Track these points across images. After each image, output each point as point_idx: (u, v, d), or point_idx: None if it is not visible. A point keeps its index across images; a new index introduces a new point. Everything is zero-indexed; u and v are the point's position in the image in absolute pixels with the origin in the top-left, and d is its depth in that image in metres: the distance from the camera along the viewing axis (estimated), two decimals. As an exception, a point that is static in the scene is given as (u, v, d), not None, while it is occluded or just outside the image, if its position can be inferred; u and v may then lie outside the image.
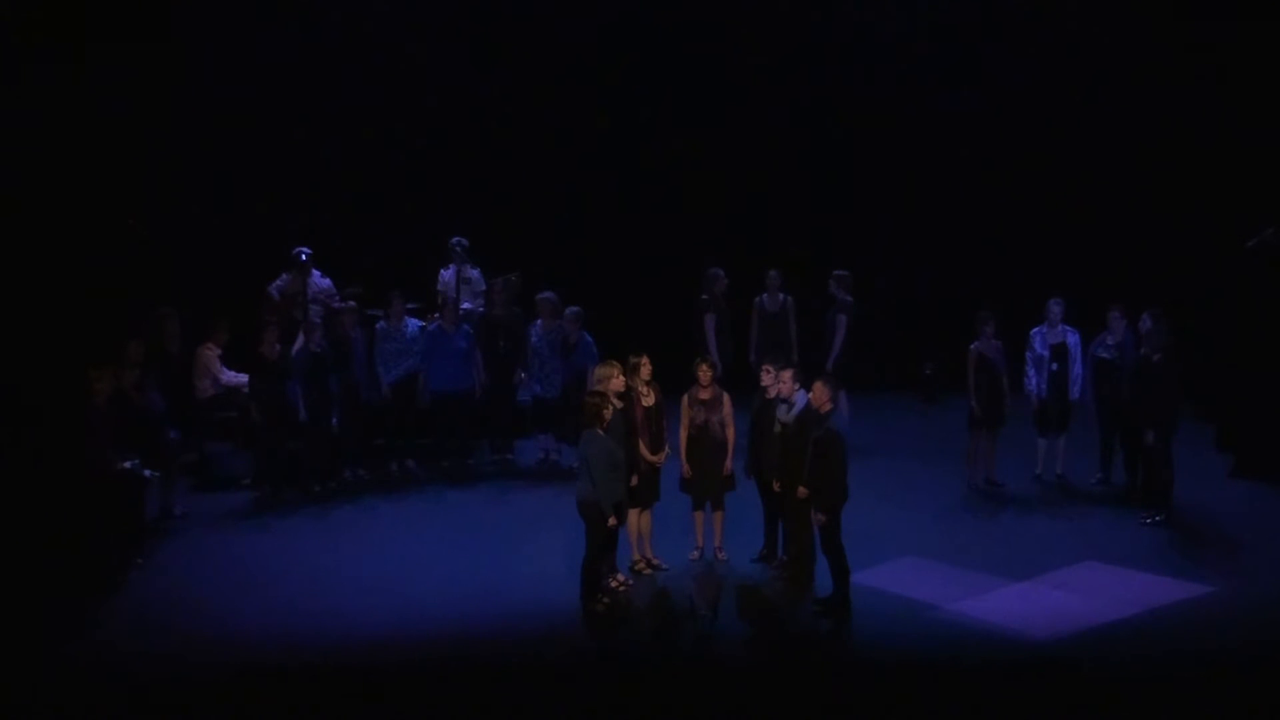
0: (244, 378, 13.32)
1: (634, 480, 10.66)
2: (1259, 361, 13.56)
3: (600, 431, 10.18)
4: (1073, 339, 13.06)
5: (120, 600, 10.59)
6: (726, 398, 11.16)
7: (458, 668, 9.38)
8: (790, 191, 17.21)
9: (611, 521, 10.20)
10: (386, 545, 11.82)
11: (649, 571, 11.02)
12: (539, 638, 9.78)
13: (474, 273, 14.72)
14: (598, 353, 13.09)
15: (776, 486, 10.69)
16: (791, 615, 10.28)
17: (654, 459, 10.94)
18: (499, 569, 11.12)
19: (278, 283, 14.25)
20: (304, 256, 14.18)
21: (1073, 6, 16.58)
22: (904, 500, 12.63)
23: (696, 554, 11.29)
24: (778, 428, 10.66)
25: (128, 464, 11.27)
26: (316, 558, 11.54)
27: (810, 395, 10.37)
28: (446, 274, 14.70)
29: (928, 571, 10.94)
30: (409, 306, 14.08)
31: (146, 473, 11.51)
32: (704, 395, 11.11)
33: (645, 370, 11.00)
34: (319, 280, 14.33)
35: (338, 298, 14.23)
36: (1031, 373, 13.14)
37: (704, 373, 11.16)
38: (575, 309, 13.74)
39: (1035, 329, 13.15)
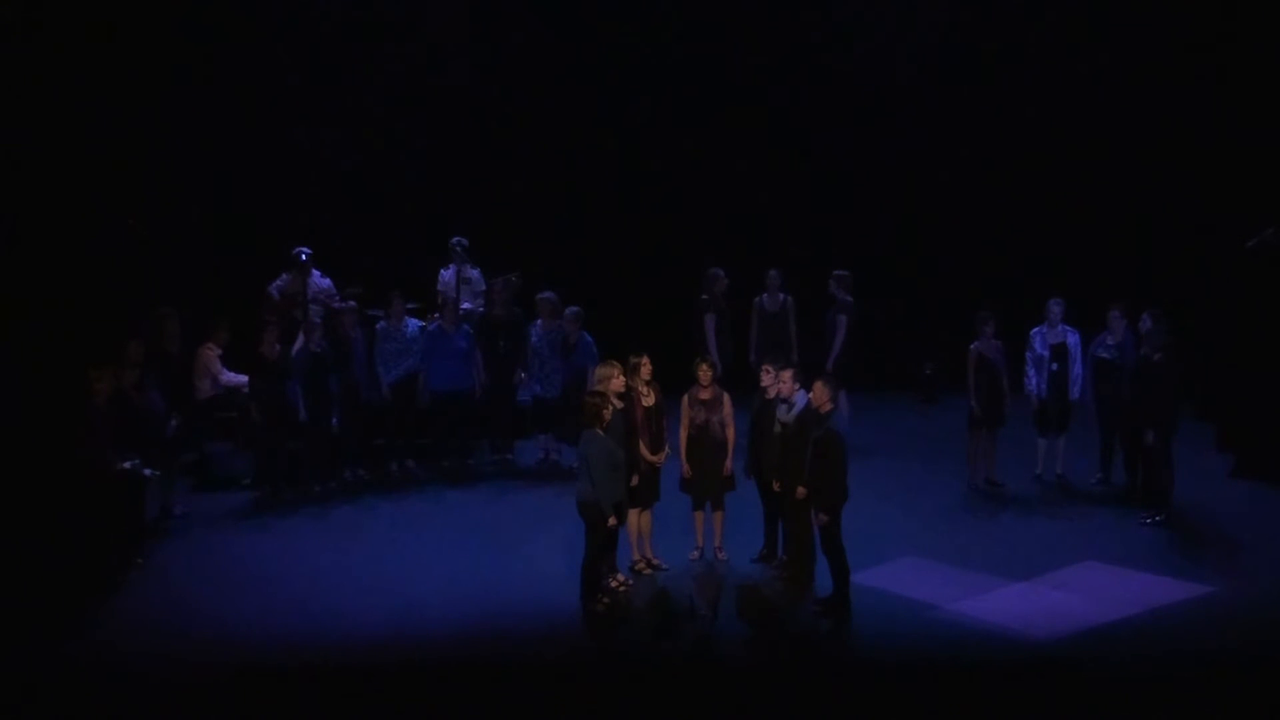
0: (244, 378, 13.29)
1: (634, 480, 10.66)
2: (1259, 361, 13.55)
3: (600, 431, 10.17)
4: (1073, 339, 13.05)
5: (120, 600, 10.57)
6: (726, 398, 11.15)
7: (458, 668, 9.36)
8: (790, 191, 17.20)
9: (611, 521, 10.19)
10: (386, 545, 11.81)
11: (649, 571, 11.01)
12: (539, 638, 9.77)
13: (474, 273, 14.71)
14: (598, 353, 13.08)
15: (776, 486, 10.68)
16: (791, 615, 10.26)
17: (654, 459, 10.93)
18: (499, 569, 11.11)
19: (278, 283, 14.24)
20: (304, 256, 14.16)
21: (1073, 6, 16.59)
22: (904, 500, 12.63)
23: (696, 554, 11.28)
24: (778, 428, 10.65)
25: (128, 464, 11.24)
26: (316, 558, 11.53)
27: (810, 395, 10.37)
28: (446, 274, 14.70)
29: (928, 571, 10.93)
30: (409, 306, 14.06)
31: (146, 472, 11.49)
32: (704, 395, 11.10)
33: (645, 370, 10.99)
34: (319, 280, 14.31)
35: (338, 298, 14.21)
36: (1031, 373, 13.13)
37: (704, 373, 11.15)
38: (575, 309, 13.73)
39: (1035, 329, 13.14)
